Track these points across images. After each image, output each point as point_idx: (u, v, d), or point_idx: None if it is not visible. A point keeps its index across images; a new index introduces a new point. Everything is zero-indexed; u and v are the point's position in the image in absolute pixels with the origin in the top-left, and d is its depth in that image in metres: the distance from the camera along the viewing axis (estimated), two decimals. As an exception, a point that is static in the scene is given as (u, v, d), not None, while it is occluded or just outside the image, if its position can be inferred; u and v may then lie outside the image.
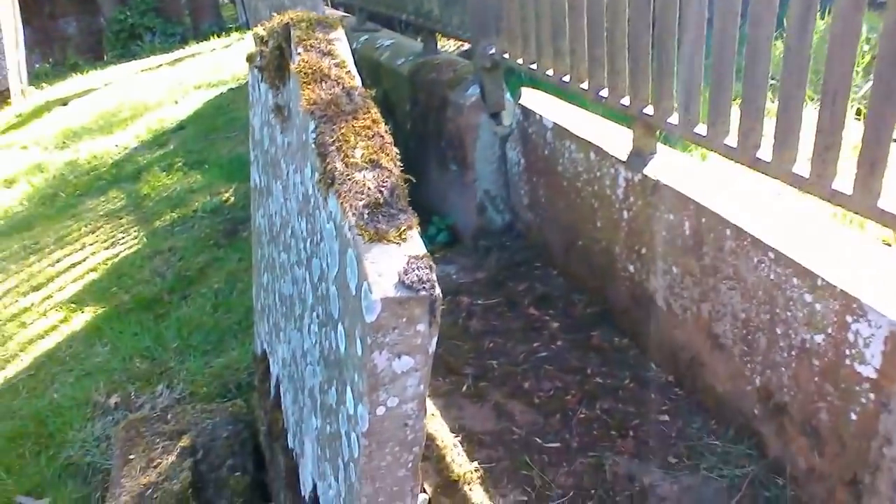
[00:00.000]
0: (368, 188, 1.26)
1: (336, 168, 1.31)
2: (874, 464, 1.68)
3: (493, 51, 3.11)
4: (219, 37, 12.29)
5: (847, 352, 1.67)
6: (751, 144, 1.90)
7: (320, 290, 1.49)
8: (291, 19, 1.69)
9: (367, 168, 1.31)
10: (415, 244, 1.19)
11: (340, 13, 5.48)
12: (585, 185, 2.68)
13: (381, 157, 1.33)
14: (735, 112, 1.93)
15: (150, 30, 13.84)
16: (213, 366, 2.95)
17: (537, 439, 2.29)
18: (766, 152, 1.87)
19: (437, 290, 1.13)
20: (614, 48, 2.33)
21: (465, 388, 2.54)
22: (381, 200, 1.24)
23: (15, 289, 4.09)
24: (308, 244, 1.60)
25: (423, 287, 1.11)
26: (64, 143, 6.96)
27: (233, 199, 4.53)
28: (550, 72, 2.73)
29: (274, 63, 1.79)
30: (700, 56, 2.01)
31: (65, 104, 8.71)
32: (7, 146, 7.31)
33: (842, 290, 1.64)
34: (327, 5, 6.05)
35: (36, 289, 4.04)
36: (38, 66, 13.41)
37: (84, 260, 4.22)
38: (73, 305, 3.69)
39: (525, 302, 2.95)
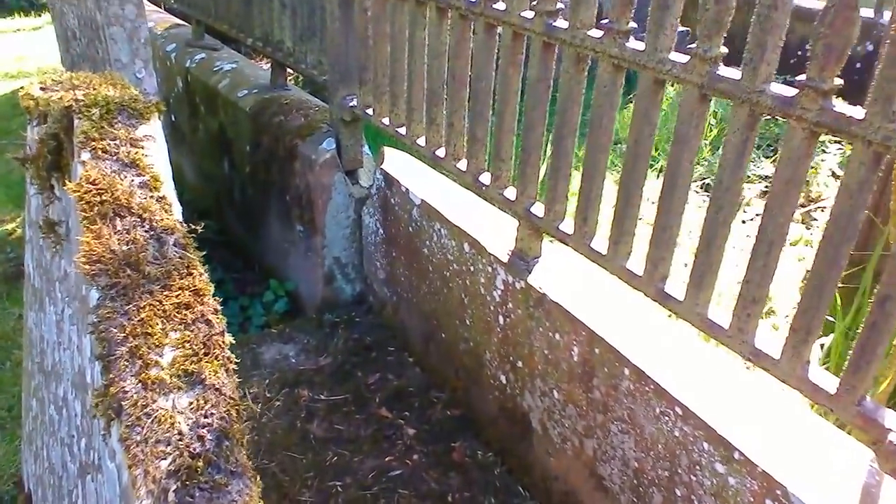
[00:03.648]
0: (180, 433, 0.80)
1: (125, 391, 0.84)
2: None
3: (354, 103, 2.70)
4: (27, 14, 10.71)
5: (761, 535, 1.44)
6: (658, 276, 1.64)
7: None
8: (76, 101, 1.17)
9: (180, 389, 0.85)
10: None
11: (172, 20, 4.78)
12: (455, 276, 2.33)
13: (205, 367, 0.88)
14: (644, 234, 1.67)
15: (-61, -5, 11.82)
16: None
17: None
18: (676, 289, 1.62)
19: None
20: (502, 133, 2.01)
21: (303, 522, 2.09)
22: (200, 461, 0.79)
23: None
24: (83, 446, 1.10)
25: None
26: None
27: (19, 230, 3.72)
28: (422, 141, 2.37)
29: (46, 159, 1.25)
30: (604, 163, 1.73)
31: None
32: None
33: (763, 470, 1.41)
34: (160, 8, 5.32)
35: None
36: None
37: None
38: None
39: (377, 399, 2.55)
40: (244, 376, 2.67)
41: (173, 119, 4.30)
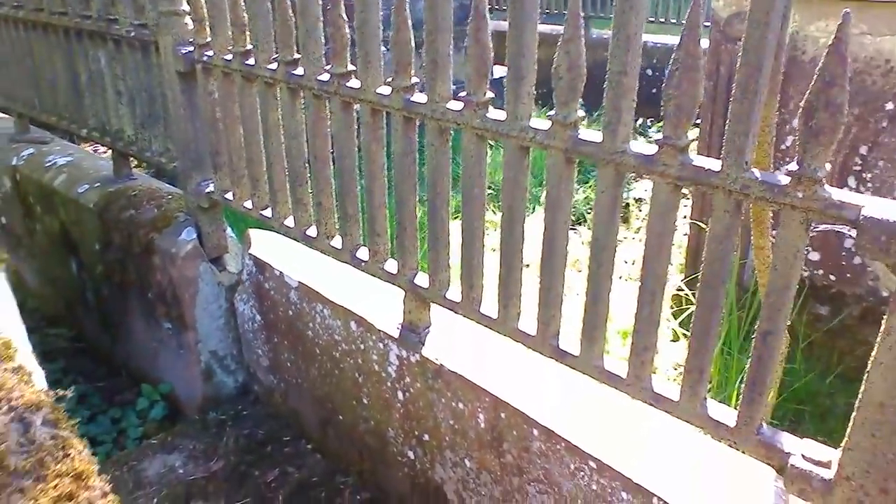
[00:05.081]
0: None
1: None
2: None
3: (210, 189, 2.57)
4: None
5: (690, 574, 1.47)
6: (551, 333, 1.66)
7: None
8: None
9: None
10: None
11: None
12: (345, 356, 2.26)
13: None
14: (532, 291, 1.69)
15: None
16: None
17: None
18: (570, 344, 1.64)
19: None
20: (373, 208, 1.98)
21: None
22: None
23: None
24: None
25: None
26: None
27: None
28: (290, 222, 2.29)
29: None
30: (481, 229, 1.74)
31: None
32: None
33: (682, 511, 1.44)
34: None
35: None
36: None
37: None
38: None
39: (280, 497, 2.40)
40: (127, 501, 2.43)
41: (3, 222, 3.92)
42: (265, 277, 2.50)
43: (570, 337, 1.66)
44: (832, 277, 2.92)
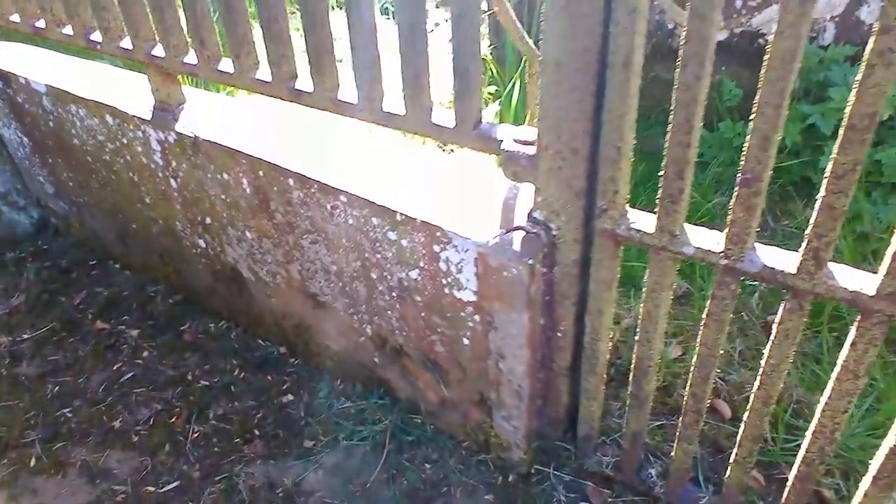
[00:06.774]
0: None
1: None
2: (495, 380, 1.63)
3: (-73, 1, 2.25)
4: None
5: (444, 281, 1.54)
6: (286, 75, 1.59)
7: None
8: None
9: None
10: None
11: None
12: (114, 155, 2.13)
13: None
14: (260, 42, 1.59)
15: None
16: None
17: (150, 488, 1.83)
18: (305, 83, 1.58)
19: None
20: (88, -22, 1.78)
21: (33, 461, 1.91)
22: None
23: None
24: None
25: None
26: None
27: None
28: (15, 17, 2.04)
29: None
30: (196, -24, 1.60)
31: None
32: None
33: (422, 221, 1.48)
34: None
35: None
36: None
37: None
38: None
39: (89, 316, 2.34)
40: (-74, 348, 2.32)
41: None
42: (14, 90, 2.27)
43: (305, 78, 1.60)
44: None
